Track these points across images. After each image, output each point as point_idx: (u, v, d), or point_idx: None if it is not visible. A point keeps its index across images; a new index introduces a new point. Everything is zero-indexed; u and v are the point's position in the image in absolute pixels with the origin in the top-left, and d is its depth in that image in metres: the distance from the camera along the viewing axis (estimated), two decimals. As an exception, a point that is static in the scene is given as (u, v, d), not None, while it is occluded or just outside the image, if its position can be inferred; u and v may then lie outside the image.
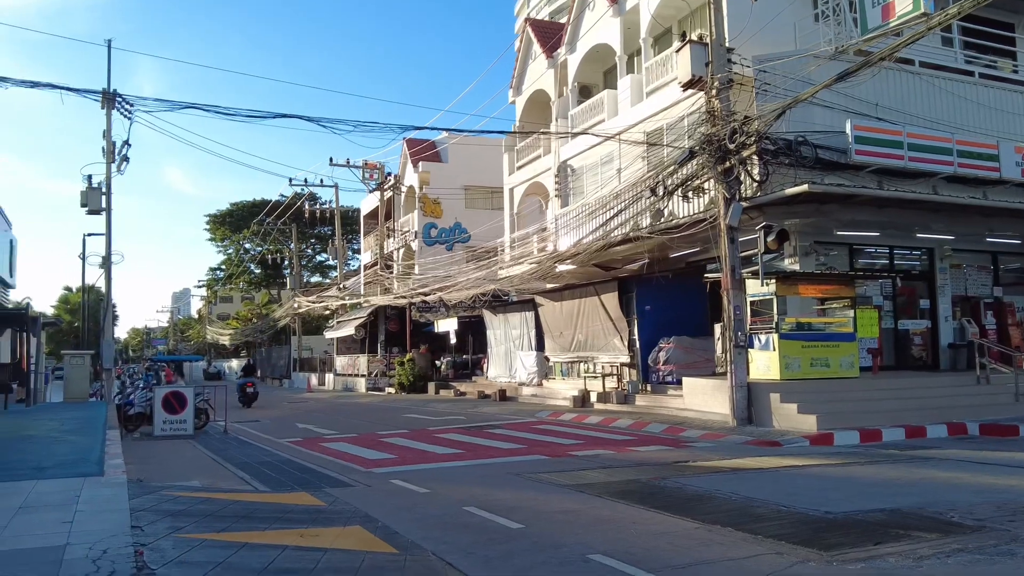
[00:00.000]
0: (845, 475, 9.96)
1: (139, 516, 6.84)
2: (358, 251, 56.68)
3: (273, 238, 56.09)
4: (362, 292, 41.82)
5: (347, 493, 9.10)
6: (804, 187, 14.60)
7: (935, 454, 11.52)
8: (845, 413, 14.14)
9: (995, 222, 18.11)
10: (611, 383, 20.75)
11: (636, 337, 20.11)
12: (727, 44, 15.25)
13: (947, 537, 6.26)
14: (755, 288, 15.73)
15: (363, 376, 38.35)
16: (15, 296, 28.95)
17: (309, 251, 71.58)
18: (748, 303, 15.69)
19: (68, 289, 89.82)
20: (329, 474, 10.78)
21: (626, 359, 20.50)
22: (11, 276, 21.10)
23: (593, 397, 20.68)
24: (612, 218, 18.70)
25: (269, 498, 8.85)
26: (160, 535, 6.20)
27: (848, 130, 15.56)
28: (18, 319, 23.55)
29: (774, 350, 15.42)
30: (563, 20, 29.08)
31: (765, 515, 7.33)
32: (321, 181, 48.54)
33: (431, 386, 32.54)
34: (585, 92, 25.85)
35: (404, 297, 34.21)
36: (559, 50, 26.22)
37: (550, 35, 27.59)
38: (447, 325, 34.69)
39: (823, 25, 17.45)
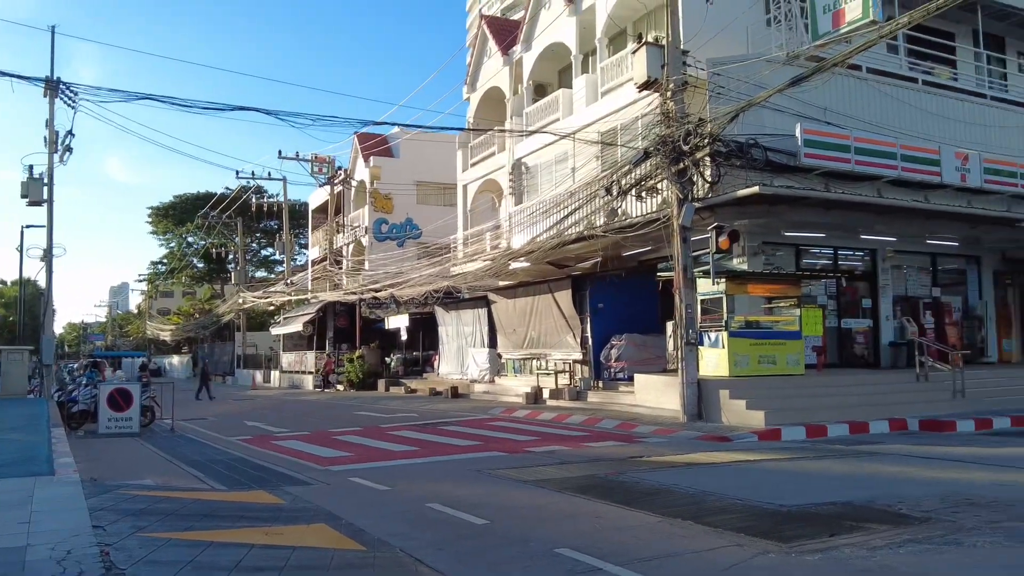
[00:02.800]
0: (796, 469, 10.25)
1: (99, 516, 6.69)
2: (306, 246, 55.98)
3: (218, 232, 54.99)
4: (310, 288, 41.31)
5: (306, 491, 9.04)
6: (755, 189, 14.92)
7: (879, 449, 11.93)
8: (792, 409, 14.53)
9: (935, 225, 18.77)
10: (564, 380, 20.92)
11: (589, 334, 20.30)
12: (682, 47, 15.50)
13: (897, 528, 6.52)
14: (706, 287, 16.02)
15: (311, 373, 37.90)
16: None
17: (255, 246, 70.40)
18: (699, 301, 15.98)
19: (2, 282, 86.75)
20: (285, 472, 10.67)
21: (579, 356, 20.69)
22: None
23: (546, 394, 20.82)
24: (567, 216, 18.85)
25: (228, 496, 8.73)
26: (124, 535, 6.08)
27: (798, 133, 15.90)
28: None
29: (723, 347, 15.73)
30: (516, 17, 29.14)
31: (723, 508, 7.53)
32: (269, 174, 47.82)
33: (381, 383, 32.34)
34: (540, 90, 25.97)
35: (354, 293, 33.92)
36: (514, 48, 26.27)
37: (505, 33, 27.63)
38: (398, 322, 34.50)
39: (775, 30, 17.83)
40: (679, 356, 15.33)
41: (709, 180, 15.33)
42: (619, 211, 17.96)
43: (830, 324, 19.08)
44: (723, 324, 15.86)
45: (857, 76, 18.21)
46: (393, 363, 35.23)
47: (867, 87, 18.29)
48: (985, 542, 6.05)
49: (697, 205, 15.30)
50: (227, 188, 56.64)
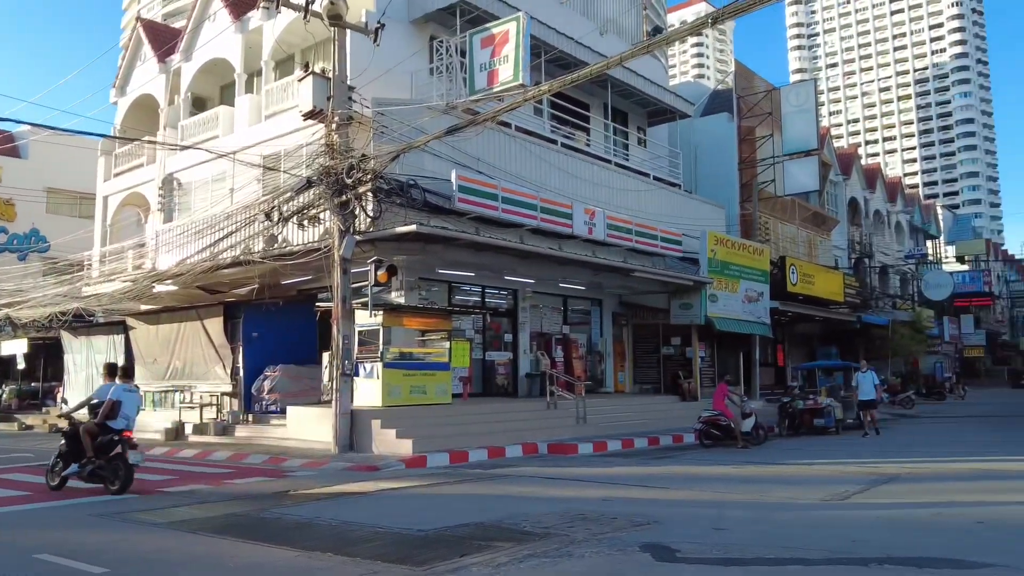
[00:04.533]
0: (436, 495, 10.77)
1: None
2: None
3: None
4: None
5: None
6: (413, 227, 15.55)
7: (512, 471, 13.00)
8: (438, 437, 15.26)
9: (567, 271, 21.05)
10: (210, 414, 19.74)
11: (241, 365, 19.41)
12: (349, 82, 15.74)
13: (520, 545, 7.15)
14: (364, 319, 16.27)
15: None
16: None
17: None
18: (357, 333, 16.18)
19: None
20: None
21: (228, 388, 19.66)
22: None
23: (188, 429, 19.47)
24: (222, 239, 17.97)
25: None
26: None
27: (453, 179, 16.92)
28: None
29: (378, 378, 16.07)
30: (178, 25, 27.46)
31: (364, 537, 7.66)
32: None
33: (-12, 418, 27.77)
34: (200, 104, 24.62)
35: (-43, 312, 28.82)
36: (173, 56, 24.64)
37: (164, 39, 25.80)
38: (14, 347, 29.93)
39: (437, 80, 18.93)
40: (334, 387, 15.32)
41: (371, 215, 15.66)
42: (279, 238, 17.59)
43: (476, 356, 20.42)
44: (379, 355, 16.21)
45: (507, 133, 19.95)
46: (6, 395, 30.46)
47: (515, 143, 20.12)
48: (592, 552, 6.88)
49: (358, 238, 15.53)
50: None
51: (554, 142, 22.08)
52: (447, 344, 17.91)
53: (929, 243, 59.54)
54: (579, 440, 16.59)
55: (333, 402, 15.23)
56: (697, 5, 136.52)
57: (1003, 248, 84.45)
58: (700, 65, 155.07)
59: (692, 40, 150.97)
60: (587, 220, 20.07)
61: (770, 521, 8.52)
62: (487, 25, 17.11)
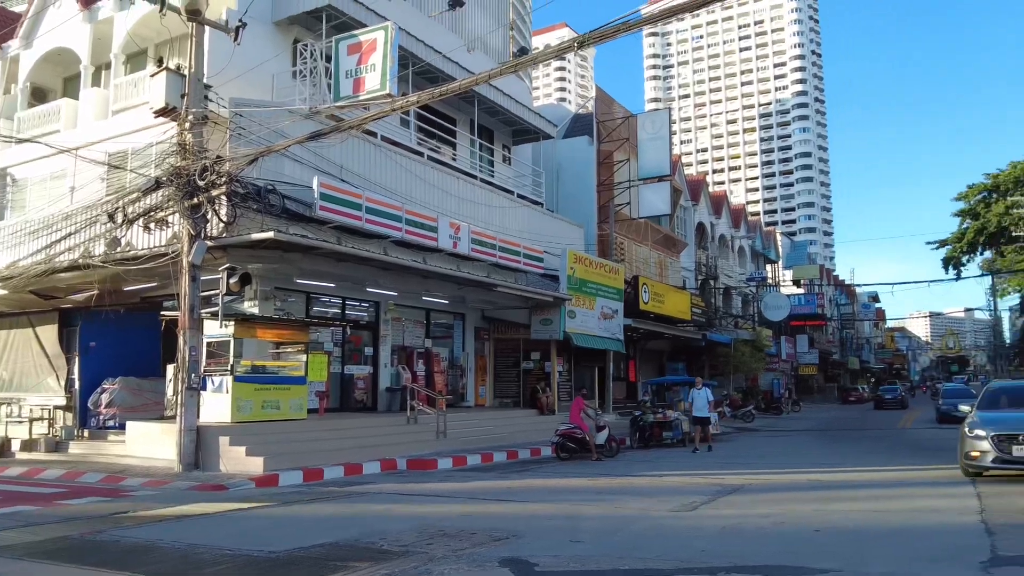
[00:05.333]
0: (290, 514, 10.38)
1: None
2: None
3: None
4: None
5: None
6: (270, 234, 14.91)
7: (369, 489, 12.74)
8: (292, 454, 14.71)
9: (430, 284, 20.92)
10: (41, 428, 18.24)
11: (76, 376, 18.06)
12: (206, 80, 15.06)
13: (378, 564, 6.97)
14: (213, 329, 15.47)
15: None
16: None
17: None
18: (205, 344, 15.39)
19: None
20: None
21: (62, 401, 18.23)
22: None
23: (16, 445, 17.89)
24: (59, 241, 16.71)
25: None
26: None
27: (315, 186, 16.43)
28: None
29: (227, 392, 15.29)
30: (19, 9, 25.47)
31: (210, 560, 7.25)
32: None
33: None
34: (40, 95, 22.87)
35: None
36: (11, 42, 22.78)
37: (1, 23, 23.84)
38: None
39: (300, 83, 18.42)
40: (179, 401, 14.49)
41: (224, 220, 14.96)
42: (123, 241, 16.51)
43: (335, 370, 19.90)
44: (229, 368, 15.46)
45: (373, 142, 19.66)
46: None
47: (381, 153, 19.85)
48: (451, 569, 6.79)
49: (210, 244, 14.82)
50: None
51: (421, 154, 21.97)
52: (304, 357, 17.31)
53: (769, 267, 63.68)
54: (439, 455, 16.48)
55: (177, 417, 14.40)
56: (560, 30, 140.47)
57: (835, 274, 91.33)
58: (563, 88, 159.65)
59: (555, 64, 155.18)
60: (452, 234, 20.07)
61: (625, 532, 8.73)
62: (354, 32, 16.83)
